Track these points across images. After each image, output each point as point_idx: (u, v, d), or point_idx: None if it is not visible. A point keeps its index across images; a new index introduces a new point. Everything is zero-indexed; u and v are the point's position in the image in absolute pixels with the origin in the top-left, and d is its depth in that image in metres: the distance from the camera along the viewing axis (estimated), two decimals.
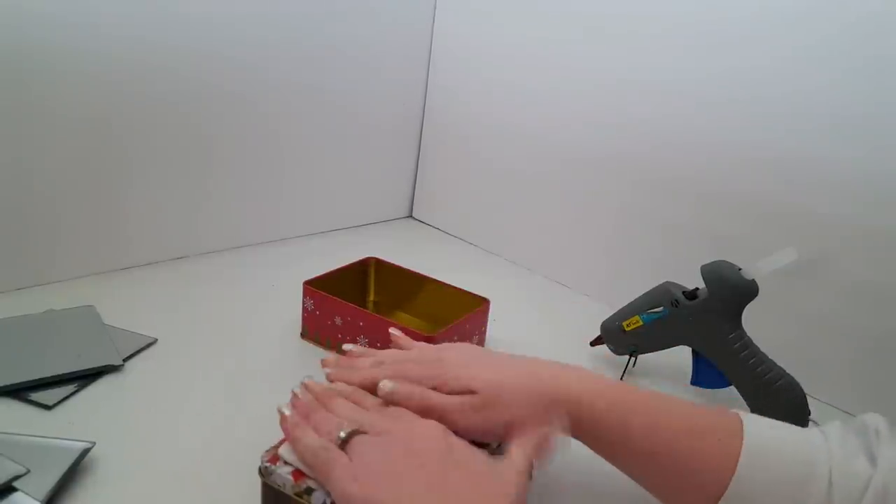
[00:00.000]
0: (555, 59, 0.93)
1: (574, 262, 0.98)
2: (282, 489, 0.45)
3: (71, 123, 0.75)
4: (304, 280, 0.72)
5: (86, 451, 0.51)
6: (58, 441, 0.51)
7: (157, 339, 0.70)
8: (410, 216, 1.22)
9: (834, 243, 0.71)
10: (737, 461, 0.45)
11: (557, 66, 0.93)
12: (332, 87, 0.99)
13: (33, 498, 0.46)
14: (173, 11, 0.79)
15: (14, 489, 0.46)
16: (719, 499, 0.45)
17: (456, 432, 0.46)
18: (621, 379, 0.73)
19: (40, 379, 0.60)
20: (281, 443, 0.47)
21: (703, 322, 0.66)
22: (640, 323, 0.70)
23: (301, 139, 0.99)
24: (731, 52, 0.76)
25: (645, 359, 0.73)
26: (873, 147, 0.68)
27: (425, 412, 0.48)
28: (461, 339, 0.70)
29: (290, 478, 0.45)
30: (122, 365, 0.65)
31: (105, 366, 0.63)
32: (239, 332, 0.74)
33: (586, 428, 0.50)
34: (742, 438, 0.46)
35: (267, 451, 0.47)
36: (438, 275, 0.79)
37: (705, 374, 0.69)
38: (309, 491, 0.44)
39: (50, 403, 0.58)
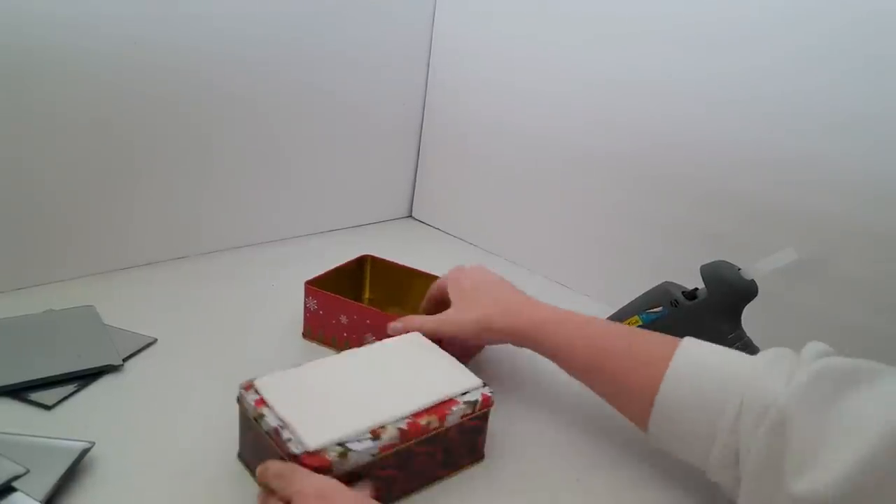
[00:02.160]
0: (555, 58, 0.93)
1: (574, 262, 0.97)
2: (247, 412, 0.52)
3: (71, 124, 0.75)
4: (304, 280, 0.72)
5: (85, 451, 0.51)
6: (57, 441, 0.51)
7: (156, 339, 0.70)
8: (410, 216, 1.22)
9: (834, 243, 0.71)
10: (660, 382, 0.50)
11: (557, 66, 0.93)
12: (332, 87, 0.99)
13: (33, 498, 0.46)
14: (171, 11, 0.79)
15: (14, 489, 0.47)
16: (648, 415, 0.51)
17: None
18: None
19: (40, 379, 0.60)
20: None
21: (702, 322, 0.66)
22: (640, 323, 0.70)
23: (300, 139, 0.99)
24: (732, 51, 0.76)
25: None
26: (874, 147, 0.68)
27: None
28: None
29: (253, 403, 0.51)
30: (122, 365, 0.65)
31: (105, 366, 0.63)
32: (239, 331, 0.74)
33: (537, 337, 0.60)
34: (673, 355, 0.51)
35: (247, 380, 0.53)
36: (437, 274, 0.79)
37: None
38: (260, 416, 0.50)
39: (50, 403, 0.58)
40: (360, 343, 0.66)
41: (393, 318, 0.66)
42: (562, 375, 0.60)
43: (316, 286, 0.72)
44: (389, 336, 0.63)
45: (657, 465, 0.59)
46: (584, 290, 0.96)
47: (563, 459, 0.60)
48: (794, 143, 0.73)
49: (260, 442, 0.51)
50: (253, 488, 0.49)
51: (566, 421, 0.65)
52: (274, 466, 0.46)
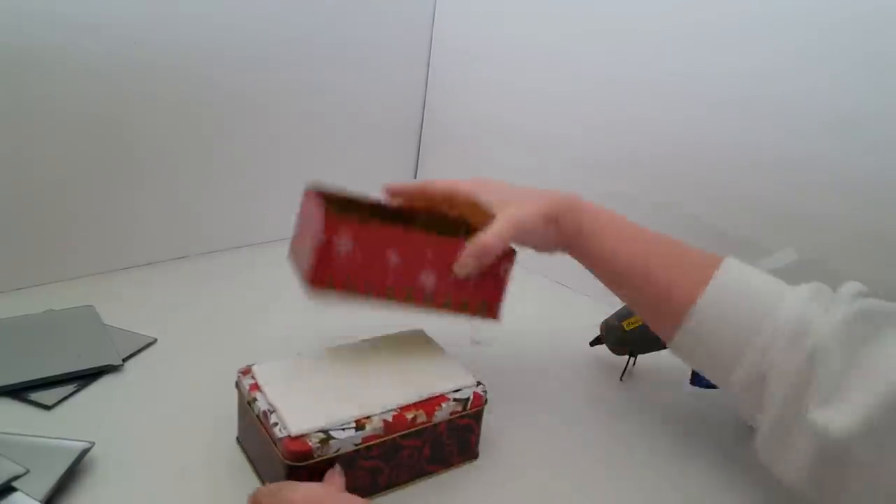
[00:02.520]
0: (555, 58, 0.93)
1: (574, 262, 0.97)
2: (243, 397, 0.53)
3: (71, 123, 0.75)
4: (323, 211, 0.52)
5: (85, 452, 0.51)
6: (57, 441, 0.51)
7: (156, 339, 0.70)
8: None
9: (834, 244, 0.71)
10: (702, 292, 0.50)
11: (558, 66, 0.93)
12: (332, 86, 0.99)
13: (33, 498, 0.46)
14: (171, 10, 0.79)
15: (13, 489, 0.47)
16: (679, 322, 0.51)
17: None
18: (620, 379, 0.73)
19: (40, 379, 0.60)
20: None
21: None
22: (640, 322, 0.70)
23: (300, 139, 0.99)
24: (732, 51, 0.76)
25: (644, 359, 0.73)
26: (875, 148, 0.68)
27: None
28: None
29: (248, 388, 0.52)
30: (122, 365, 0.65)
31: (105, 366, 0.63)
32: (239, 331, 0.74)
33: (585, 234, 0.57)
34: (718, 270, 0.51)
35: (246, 366, 0.54)
36: None
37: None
38: (253, 400, 0.51)
39: (49, 403, 0.58)
40: (407, 292, 0.54)
41: (459, 245, 0.54)
42: (562, 376, 0.60)
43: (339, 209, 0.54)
44: (460, 272, 0.55)
45: (658, 469, 0.60)
46: (584, 290, 0.96)
47: (558, 461, 0.59)
48: (795, 143, 0.73)
49: (252, 425, 0.52)
50: (250, 489, 0.49)
51: (563, 422, 0.65)
52: (263, 490, 0.45)
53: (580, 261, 0.60)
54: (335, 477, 0.48)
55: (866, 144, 0.68)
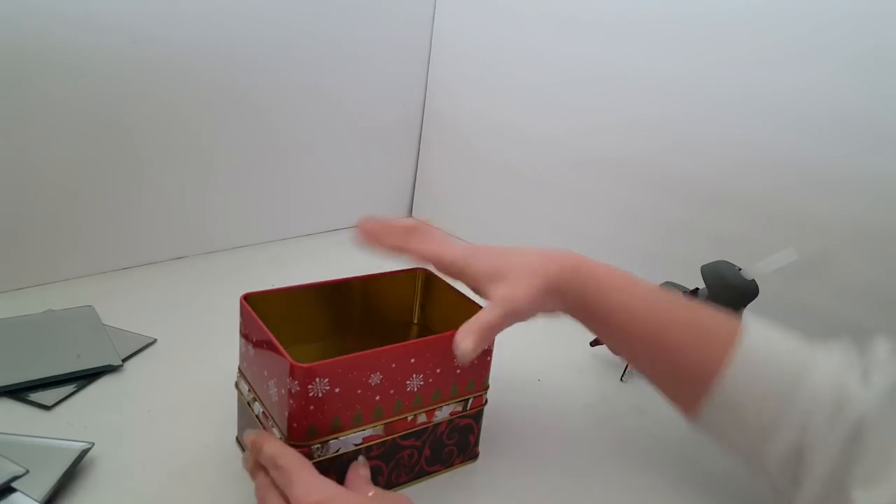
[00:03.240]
0: (556, 58, 0.93)
1: None
2: (242, 396, 0.54)
3: (71, 123, 0.75)
4: (288, 365, 0.45)
5: (85, 452, 0.51)
6: (57, 441, 0.51)
7: (156, 340, 0.70)
8: (410, 216, 1.22)
9: (834, 243, 0.71)
10: (730, 356, 0.46)
11: (558, 66, 0.93)
12: (332, 86, 0.99)
13: (32, 498, 0.46)
14: (172, 10, 0.79)
15: (13, 489, 0.46)
16: (708, 391, 0.47)
17: None
18: (621, 379, 0.73)
19: (39, 379, 0.60)
20: None
21: None
22: None
23: (300, 138, 0.99)
24: (733, 51, 0.76)
25: None
26: (874, 147, 0.68)
27: None
28: None
29: (247, 389, 0.53)
30: (122, 365, 0.65)
31: (104, 366, 0.63)
32: (238, 331, 0.74)
33: (591, 304, 0.50)
34: (740, 336, 0.47)
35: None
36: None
37: None
38: (253, 401, 0.52)
39: (49, 404, 0.58)
40: (394, 404, 0.50)
41: (446, 338, 0.49)
42: (562, 376, 0.60)
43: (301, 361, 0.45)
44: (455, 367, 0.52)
45: (659, 469, 0.59)
46: None
47: (559, 461, 0.59)
48: (796, 143, 0.73)
49: (251, 426, 0.52)
50: (250, 489, 0.49)
51: (564, 423, 0.65)
52: (269, 448, 0.44)
53: (588, 327, 0.54)
54: (359, 469, 0.47)
55: (867, 145, 0.68)
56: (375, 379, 0.48)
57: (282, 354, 0.45)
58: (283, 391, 0.46)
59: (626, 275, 0.52)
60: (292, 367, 0.44)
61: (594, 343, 0.75)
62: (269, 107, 0.93)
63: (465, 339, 0.46)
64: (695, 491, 0.57)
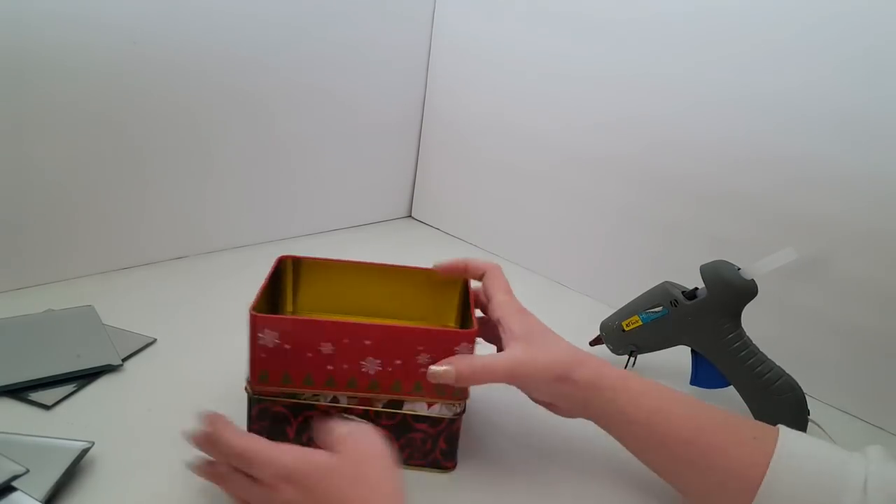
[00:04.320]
0: (556, 57, 0.93)
1: (574, 262, 0.98)
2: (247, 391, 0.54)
3: (71, 123, 0.75)
4: (249, 308, 0.52)
5: (85, 451, 0.51)
6: (57, 441, 0.51)
7: (156, 340, 0.70)
8: (410, 216, 1.22)
9: (834, 243, 0.71)
10: (770, 459, 0.45)
11: (559, 65, 0.93)
12: (332, 86, 0.99)
13: (33, 497, 0.46)
14: (173, 9, 0.79)
15: (13, 489, 0.47)
16: (752, 498, 0.45)
17: None
18: None
19: (39, 379, 0.60)
20: None
21: (702, 322, 0.66)
22: (640, 323, 0.70)
23: (300, 139, 0.99)
24: (733, 50, 0.76)
25: (644, 359, 0.73)
26: (874, 146, 0.68)
27: None
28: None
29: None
30: (122, 365, 0.65)
31: (104, 366, 0.63)
32: (238, 331, 0.74)
33: (622, 404, 0.50)
34: (776, 439, 0.46)
35: None
36: None
37: (705, 374, 0.69)
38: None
39: (49, 403, 0.58)
40: (347, 379, 0.52)
41: (406, 329, 0.51)
42: None
43: (265, 310, 0.54)
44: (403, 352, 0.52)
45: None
46: (583, 291, 0.96)
47: (558, 460, 0.59)
48: (795, 142, 0.73)
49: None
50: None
51: (564, 421, 0.65)
52: (223, 440, 0.44)
53: (609, 429, 0.52)
54: (330, 427, 0.45)
55: (867, 144, 0.68)
56: (327, 348, 0.50)
57: (255, 301, 0.50)
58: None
59: (650, 381, 0.52)
60: (251, 314, 0.50)
61: (594, 342, 0.76)
62: (269, 107, 0.93)
63: (449, 365, 0.49)
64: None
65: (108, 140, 0.79)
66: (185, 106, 0.84)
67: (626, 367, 0.73)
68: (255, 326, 0.50)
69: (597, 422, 0.53)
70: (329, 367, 0.51)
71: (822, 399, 0.74)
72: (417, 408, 0.53)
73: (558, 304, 0.94)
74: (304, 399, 0.52)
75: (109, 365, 0.64)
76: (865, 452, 0.47)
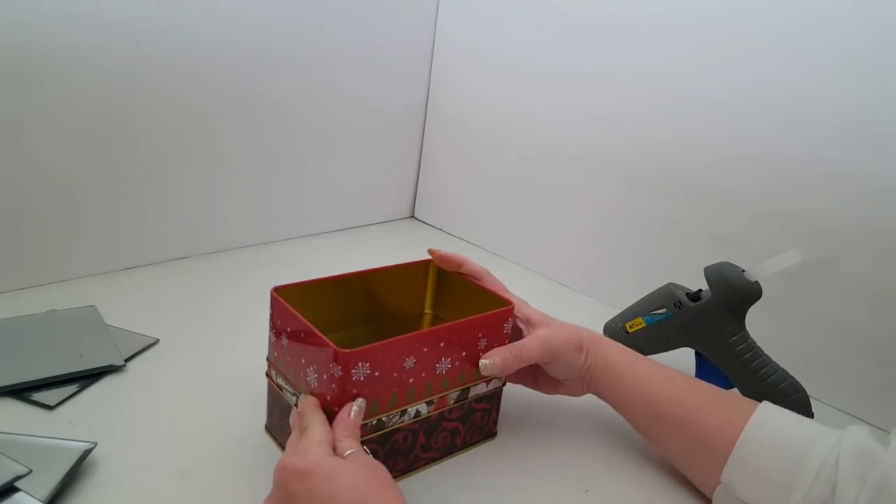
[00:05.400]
0: (559, 55, 0.93)
1: (577, 263, 0.97)
2: (273, 385, 0.55)
3: (73, 122, 0.75)
4: (334, 352, 0.46)
5: (87, 452, 0.51)
6: (60, 441, 0.51)
7: (158, 340, 0.70)
8: (413, 216, 1.22)
9: (838, 245, 0.71)
10: (746, 421, 0.50)
11: (561, 63, 0.93)
12: (335, 84, 0.99)
13: (35, 498, 0.46)
14: (175, 9, 0.79)
15: (16, 489, 0.46)
16: (728, 455, 0.50)
17: None
18: None
19: (42, 379, 0.60)
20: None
21: (706, 324, 0.66)
22: (643, 324, 0.70)
23: (303, 139, 0.99)
24: (735, 51, 0.76)
25: None
26: (878, 147, 0.67)
27: None
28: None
29: (277, 376, 0.54)
30: (124, 365, 0.65)
31: (107, 366, 0.63)
32: (241, 332, 0.74)
33: (619, 368, 0.58)
34: (756, 408, 0.51)
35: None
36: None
37: (708, 376, 0.68)
38: (286, 388, 0.53)
39: (52, 404, 0.58)
40: (424, 387, 0.52)
41: (471, 323, 0.54)
42: None
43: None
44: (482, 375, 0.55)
45: (661, 469, 0.59)
46: (586, 292, 0.96)
47: (559, 461, 0.59)
48: (799, 143, 0.72)
49: (284, 413, 0.54)
50: (252, 490, 0.49)
51: (565, 422, 0.65)
52: (304, 407, 0.48)
53: (607, 396, 0.59)
54: (350, 415, 0.47)
55: (871, 145, 0.68)
56: (410, 363, 0.50)
57: (324, 342, 0.47)
58: (324, 377, 0.48)
59: (646, 357, 0.60)
60: (335, 353, 0.46)
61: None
62: (272, 106, 0.93)
63: (495, 356, 0.55)
64: (698, 491, 0.57)
65: (111, 140, 0.79)
66: (187, 106, 0.84)
67: None
68: (349, 364, 0.46)
69: (598, 391, 0.60)
70: (410, 381, 0.51)
71: (825, 401, 0.74)
72: (479, 389, 0.57)
73: (561, 305, 0.93)
74: (392, 425, 0.51)
75: (112, 365, 0.64)
76: (846, 430, 0.49)
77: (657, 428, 0.56)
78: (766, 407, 0.52)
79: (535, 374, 0.62)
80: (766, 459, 0.49)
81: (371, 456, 0.45)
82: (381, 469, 0.44)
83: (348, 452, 0.44)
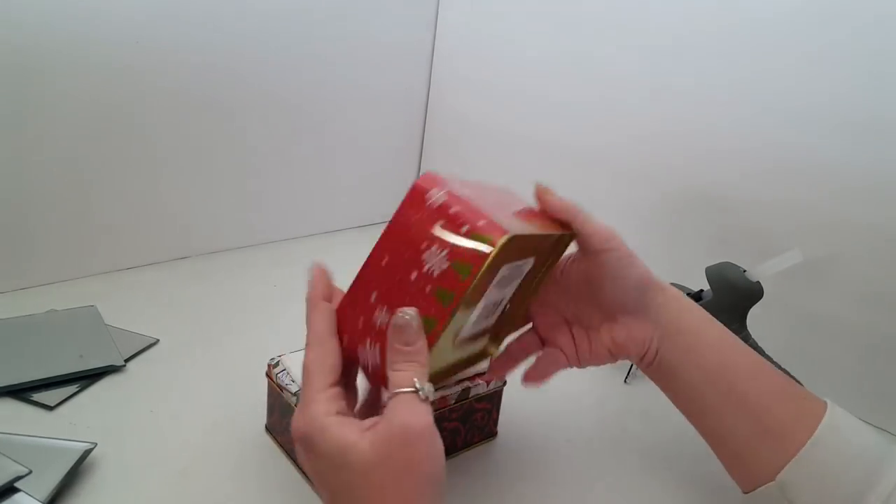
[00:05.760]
0: (559, 59, 0.93)
1: None
2: (276, 385, 0.54)
3: (74, 123, 0.75)
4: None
5: (87, 452, 0.51)
6: (59, 442, 0.51)
7: (158, 340, 0.70)
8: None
9: (839, 245, 0.71)
10: (815, 426, 0.45)
11: (560, 67, 0.93)
12: (335, 86, 0.99)
13: (35, 498, 0.46)
14: (174, 9, 0.79)
15: (16, 489, 0.46)
16: (792, 457, 0.45)
17: None
18: (625, 381, 0.73)
19: (42, 379, 0.59)
20: None
21: None
22: None
23: (303, 139, 0.99)
24: (736, 52, 0.76)
25: None
26: (879, 148, 0.67)
27: None
28: None
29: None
30: (124, 365, 0.64)
31: (107, 366, 0.63)
32: (241, 332, 0.74)
33: (690, 319, 0.50)
34: (826, 407, 0.47)
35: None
36: None
37: None
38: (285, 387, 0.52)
39: (52, 404, 0.58)
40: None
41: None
42: (565, 378, 0.59)
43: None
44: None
45: (662, 470, 0.59)
46: None
47: (559, 462, 0.59)
48: (800, 144, 0.72)
49: (289, 411, 0.53)
50: (252, 490, 0.49)
51: (566, 424, 0.65)
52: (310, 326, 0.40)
53: (673, 352, 0.50)
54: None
55: (872, 146, 0.68)
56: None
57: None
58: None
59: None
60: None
61: None
62: (272, 106, 0.93)
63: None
64: (700, 491, 0.57)
65: (110, 140, 0.79)
66: (187, 105, 0.84)
67: (630, 369, 0.73)
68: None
69: (665, 343, 0.49)
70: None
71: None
72: (479, 389, 0.56)
73: None
74: None
75: (112, 366, 0.63)
76: None
77: (723, 403, 0.48)
78: (837, 409, 0.47)
79: (592, 332, 0.51)
80: (834, 469, 0.44)
81: (428, 409, 0.36)
82: (422, 454, 0.35)
83: (369, 427, 0.35)
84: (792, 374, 0.65)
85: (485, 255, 0.36)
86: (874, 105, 0.67)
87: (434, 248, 0.38)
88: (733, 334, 0.50)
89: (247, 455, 0.55)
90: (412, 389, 0.36)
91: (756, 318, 0.65)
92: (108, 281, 0.81)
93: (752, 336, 0.66)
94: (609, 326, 0.50)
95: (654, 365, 0.50)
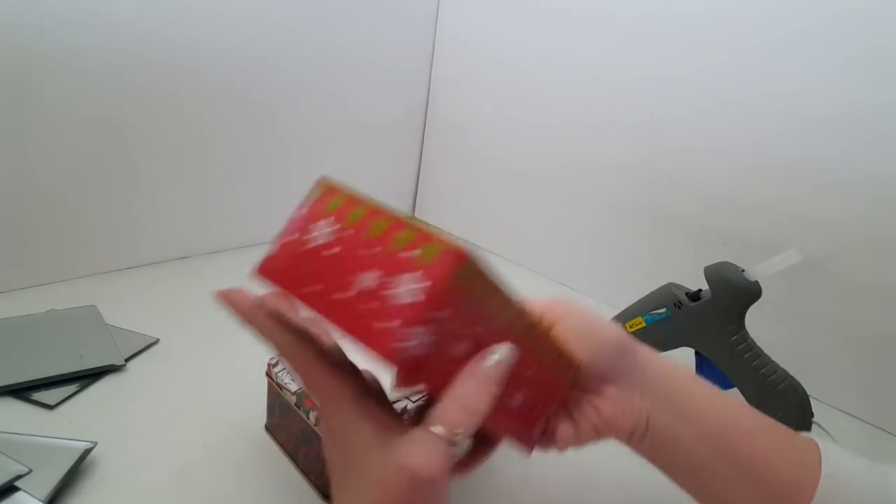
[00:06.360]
0: (561, 57, 0.93)
1: (577, 263, 0.97)
2: (276, 385, 0.54)
3: (74, 123, 0.75)
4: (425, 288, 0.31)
5: (87, 451, 0.51)
6: (60, 441, 0.51)
7: (159, 340, 0.70)
8: (413, 216, 1.21)
9: (837, 245, 0.71)
10: (818, 477, 0.41)
11: (563, 66, 0.93)
12: (334, 85, 0.99)
13: (35, 498, 0.46)
14: (174, 10, 0.79)
15: (16, 489, 0.47)
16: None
17: None
18: None
19: (42, 379, 0.60)
20: None
21: (705, 323, 0.66)
22: (643, 324, 0.70)
23: (303, 138, 0.99)
24: (736, 53, 0.76)
25: None
26: (878, 149, 0.67)
27: None
28: None
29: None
30: (124, 365, 0.65)
31: (107, 366, 0.63)
32: (241, 332, 0.74)
33: (674, 411, 0.43)
34: (820, 456, 0.43)
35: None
36: None
37: (708, 376, 0.68)
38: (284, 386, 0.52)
39: (52, 403, 0.58)
40: None
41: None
42: None
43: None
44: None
45: None
46: (586, 291, 0.96)
47: (559, 463, 0.59)
48: (799, 145, 0.72)
49: (289, 411, 0.53)
50: (252, 490, 0.49)
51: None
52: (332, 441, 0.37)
53: (663, 416, 0.44)
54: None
55: (871, 147, 0.68)
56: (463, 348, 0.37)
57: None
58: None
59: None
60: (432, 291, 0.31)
61: None
62: (272, 107, 0.93)
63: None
64: None
65: (111, 140, 0.79)
66: (187, 106, 0.84)
67: None
68: (417, 322, 0.31)
69: (654, 409, 0.44)
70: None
71: (825, 401, 0.74)
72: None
73: None
74: None
75: (112, 365, 0.64)
76: None
77: (728, 468, 0.43)
78: (830, 449, 0.44)
79: (574, 410, 0.44)
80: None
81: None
82: None
83: (403, 436, 0.32)
84: (790, 373, 0.65)
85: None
86: (874, 105, 0.67)
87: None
88: (717, 387, 0.46)
89: (247, 455, 0.55)
90: (448, 437, 0.31)
91: (754, 317, 0.65)
92: (109, 280, 0.81)
93: (751, 336, 0.66)
94: (590, 400, 0.44)
95: (646, 439, 0.44)
